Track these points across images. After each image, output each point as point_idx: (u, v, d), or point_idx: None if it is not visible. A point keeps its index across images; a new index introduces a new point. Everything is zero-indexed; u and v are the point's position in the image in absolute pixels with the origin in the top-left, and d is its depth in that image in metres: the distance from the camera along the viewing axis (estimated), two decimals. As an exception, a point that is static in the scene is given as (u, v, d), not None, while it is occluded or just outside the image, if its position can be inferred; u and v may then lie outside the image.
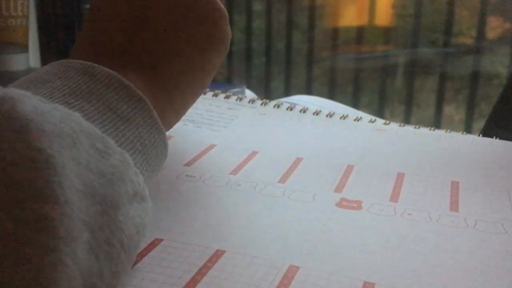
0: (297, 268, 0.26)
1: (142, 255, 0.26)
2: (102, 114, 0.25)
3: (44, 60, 0.81)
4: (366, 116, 0.49)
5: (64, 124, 0.21)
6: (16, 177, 0.18)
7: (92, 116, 0.25)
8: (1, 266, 0.17)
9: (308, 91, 1.08)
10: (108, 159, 0.22)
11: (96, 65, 0.27)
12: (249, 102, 0.49)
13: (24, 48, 0.80)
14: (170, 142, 0.31)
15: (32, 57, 0.85)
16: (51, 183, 0.19)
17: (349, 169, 0.38)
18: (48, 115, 0.21)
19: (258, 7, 1.14)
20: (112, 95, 0.26)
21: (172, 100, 0.33)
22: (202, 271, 0.25)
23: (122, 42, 0.32)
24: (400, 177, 0.37)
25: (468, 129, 0.98)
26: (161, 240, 0.28)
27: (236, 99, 0.50)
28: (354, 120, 0.47)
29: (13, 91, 0.21)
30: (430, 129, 0.45)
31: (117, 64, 0.29)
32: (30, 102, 0.21)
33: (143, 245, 0.27)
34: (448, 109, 1.04)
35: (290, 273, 0.25)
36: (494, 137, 0.44)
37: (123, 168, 0.23)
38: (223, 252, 0.27)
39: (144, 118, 0.27)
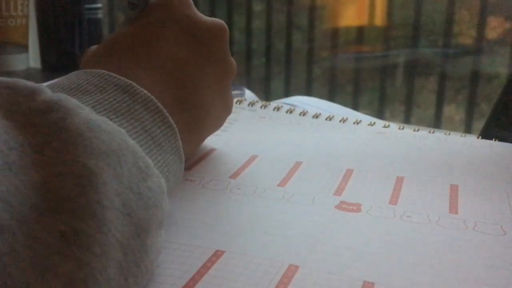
0: (297, 267, 0.26)
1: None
2: (139, 135, 0.26)
3: (44, 60, 0.81)
4: (366, 119, 0.49)
5: (112, 140, 0.22)
6: (59, 189, 0.19)
7: (131, 135, 0.25)
8: (32, 272, 0.17)
9: (308, 91, 1.08)
10: (146, 181, 0.23)
11: (134, 84, 0.28)
12: (248, 105, 0.49)
13: (24, 48, 0.80)
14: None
15: (32, 57, 0.85)
16: (91, 201, 0.19)
17: (349, 172, 0.38)
18: (98, 130, 0.21)
19: (258, 7, 1.14)
20: (147, 118, 0.27)
21: (192, 131, 0.35)
22: (201, 271, 0.25)
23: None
24: (399, 180, 0.37)
25: (468, 129, 0.98)
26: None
27: (236, 102, 0.50)
28: (354, 123, 0.47)
29: (67, 100, 0.22)
30: (429, 131, 0.45)
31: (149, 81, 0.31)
32: (82, 114, 0.22)
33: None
34: (448, 109, 1.04)
35: (290, 272, 0.25)
36: (494, 137, 0.44)
37: (159, 193, 0.24)
38: (223, 252, 0.27)
39: (171, 145, 0.28)
